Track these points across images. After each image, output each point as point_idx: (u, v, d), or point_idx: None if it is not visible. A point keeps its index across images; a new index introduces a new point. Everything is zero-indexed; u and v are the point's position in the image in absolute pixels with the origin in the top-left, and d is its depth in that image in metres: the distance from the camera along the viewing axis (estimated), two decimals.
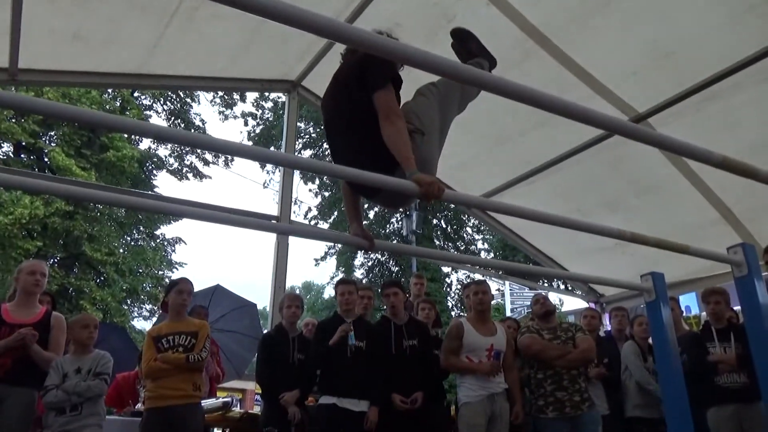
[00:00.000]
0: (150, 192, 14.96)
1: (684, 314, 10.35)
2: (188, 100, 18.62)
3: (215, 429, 5.02)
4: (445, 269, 19.32)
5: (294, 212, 17.83)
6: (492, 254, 20.55)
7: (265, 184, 20.45)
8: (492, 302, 4.88)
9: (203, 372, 3.98)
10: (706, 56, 3.99)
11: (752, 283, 2.70)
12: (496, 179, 5.96)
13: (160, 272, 17.72)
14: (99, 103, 15.20)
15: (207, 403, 4.29)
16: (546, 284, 13.93)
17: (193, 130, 18.33)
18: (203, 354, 3.76)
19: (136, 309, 17.76)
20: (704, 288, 4.70)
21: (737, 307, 4.42)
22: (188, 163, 18.73)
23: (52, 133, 15.44)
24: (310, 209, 19.95)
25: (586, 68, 4.34)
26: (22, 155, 15.36)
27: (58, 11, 3.92)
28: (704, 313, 4.98)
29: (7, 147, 15.21)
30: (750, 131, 4.42)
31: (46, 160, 14.93)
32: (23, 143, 14.63)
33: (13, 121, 14.01)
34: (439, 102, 2.41)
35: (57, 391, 3.32)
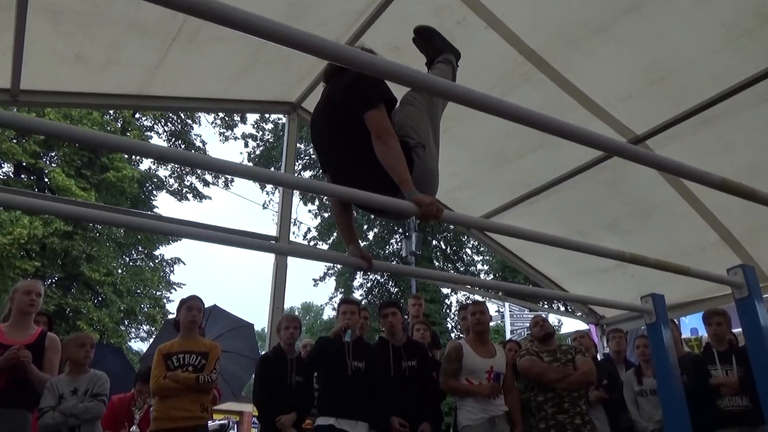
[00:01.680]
0: (149, 212, 14.95)
1: (691, 336, 10.31)
2: (189, 121, 18.72)
3: None
4: (445, 290, 19.28)
5: (293, 233, 17.91)
6: (491, 275, 20.51)
7: (265, 205, 20.49)
8: (491, 324, 4.86)
9: (210, 393, 3.95)
10: (702, 79, 4.02)
11: (753, 305, 2.69)
12: (495, 200, 5.97)
13: (158, 293, 17.64)
14: (100, 123, 15.28)
15: None
16: (546, 306, 13.87)
17: (193, 151, 18.41)
18: (213, 376, 3.72)
19: (133, 330, 17.64)
20: (705, 309, 4.69)
21: (737, 330, 4.41)
22: (188, 183, 18.77)
23: (53, 154, 15.49)
24: (309, 230, 19.98)
25: (583, 91, 4.37)
26: (23, 175, 15.39)
27: (60, 33, 3.95)
28: (705, 335, 4.98)
29: (7, 167, 15.25)
30: (747, 153, 4.44)
31: (46, 180, 14.97)
32: (24, 163, 14.67)
33: (14, 141, 14.06)
34: (428, 108, 2.43)
35: (54, 413, 3.27)
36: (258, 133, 20.08)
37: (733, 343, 4.41)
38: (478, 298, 8.05)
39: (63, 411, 3.28)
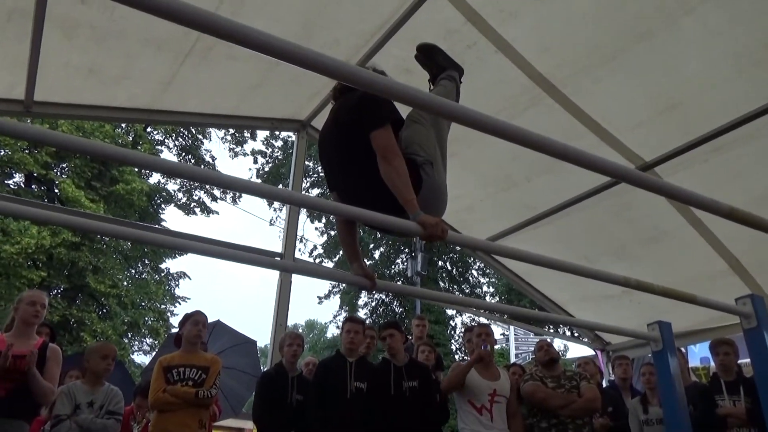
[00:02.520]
0: (157, 226, 15.01)
1: (700, 365, 10.19)
2: (199, 136, 18.89)
3: None
4: (450, 312, 19.16)
5: (299, 250, 17.89)
6: (497, 298, 20.39)
7: (272, 222, 20.53)
8: (496, 347, 4.82)
9: (209, 409, 3.91)
10: (713, 108, 4.02)
11: (761, 336, 2.66)
12: (501, 223, 5.96)
13: (163, 306, 17.64)
14: (112, 136, 15.45)
15: None
16: (552, 330, 13.76)
17: (203, 166, 18.53)
18: (213, 391, 3.68)
19: (136, 343, 17.61)
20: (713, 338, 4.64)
21: (745, 360, 4.34)
22: (196, 198, 18.89)
23: (64, 165, 15.64)
24: (315, 247, 19.99)
25: (592, 116, 4.37)
26: (33, 186, 15.53)
27: (75, 46, 4.01)
28: (713, 364, 4.92)
29: (18, 177, 15.39)
30: (757, 183, 4.42)
31: (56, 191, 15.09)
32: (35, 174, 14.81)
33: (26, 152, 14.20)
34: (434, 125, 2.43)
35: (71, 423, 3.24)
36: (267, 150, 20.24)
37: (741, 373, 4.35)
38: (483, 320, 8.00)
39: (80, 423, 3.25)
